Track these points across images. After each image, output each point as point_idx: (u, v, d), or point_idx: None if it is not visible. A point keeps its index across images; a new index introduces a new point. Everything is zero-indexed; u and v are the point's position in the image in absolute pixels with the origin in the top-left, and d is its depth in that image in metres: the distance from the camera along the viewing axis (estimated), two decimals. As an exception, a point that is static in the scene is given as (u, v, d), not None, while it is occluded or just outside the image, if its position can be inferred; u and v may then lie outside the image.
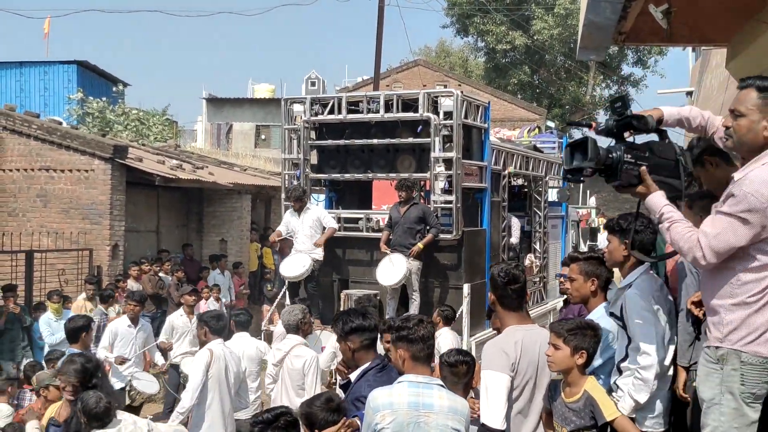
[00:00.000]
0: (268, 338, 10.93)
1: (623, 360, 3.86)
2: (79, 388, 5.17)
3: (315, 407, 4.03)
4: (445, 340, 7.70)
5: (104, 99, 24.03)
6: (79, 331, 6.77)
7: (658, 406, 3.82)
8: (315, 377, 6.26)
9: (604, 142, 3.37)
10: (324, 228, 9.54)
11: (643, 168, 3.25)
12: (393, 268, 8.91)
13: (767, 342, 2.98)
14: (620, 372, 3.88)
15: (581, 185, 33.08)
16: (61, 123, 15.34)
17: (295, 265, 9.44)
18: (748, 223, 2.93)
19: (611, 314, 3.99)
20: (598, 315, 4.11)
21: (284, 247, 10.21)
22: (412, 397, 3.54)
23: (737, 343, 3.01)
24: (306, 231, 9.53)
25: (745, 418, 2.99)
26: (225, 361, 6.35)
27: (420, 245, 8.91)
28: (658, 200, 3.22)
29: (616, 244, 3.97)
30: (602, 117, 42.04)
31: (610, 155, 3.21)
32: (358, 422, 3.97)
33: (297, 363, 6.25)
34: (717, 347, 3.07)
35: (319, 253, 9.51)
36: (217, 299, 12.59)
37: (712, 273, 3.13)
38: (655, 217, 3.24)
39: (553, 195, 13.64)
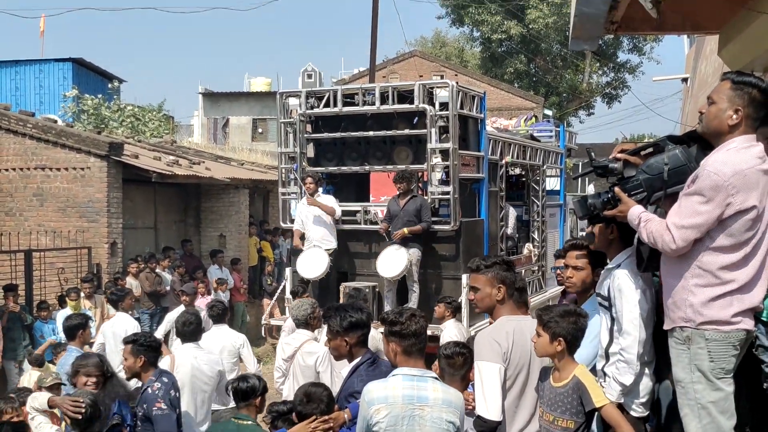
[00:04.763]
0: (268, 332, 10.93)
1: (609, 345, 3.81)
2: (101, 380, 5.20)
3: (295, 398, 4.15)
4: (449, 331, 7.71)
5: (99, 96, 23.92)
6: (75, 329, 6.76)
7: (642, 390, 3.76)
8: (330, 373, 6.08)
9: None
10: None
11: (617, 188, 3.48)
12: (393, 260, 8.93)
13: (728, 317, 3.11)
14: (607, 358, 3.81)
15: (579, 178, 33.19)
16: (56, 121, 15.28)
17: (314, 265, 9.39)
18: (711, 201, 3.05)
19: (598, 294, 3.96)
20: (591, 308, 4.05)
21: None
22: (406, 390, 3.54)
23: (701, 323, 3.14)
24: (317, 218, 9.56)
25: (719, 392, 3.12)
26: (191, 367, 6.23)
27: (405, 230, 8.94)
28: (634, 210, 3.39)
29: (603, 227, 3.98)
30: (599, 104, 42.06)
31: (590, 206, 3.66)
32: (345, 416, 4.01)
33: (309, 360, 6.12)
34: (682, 327, 3.20)
35: (332, 243, 9.56)
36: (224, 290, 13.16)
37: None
38: (635, 226, 3.38)
39: (550, 184, 13.66)
